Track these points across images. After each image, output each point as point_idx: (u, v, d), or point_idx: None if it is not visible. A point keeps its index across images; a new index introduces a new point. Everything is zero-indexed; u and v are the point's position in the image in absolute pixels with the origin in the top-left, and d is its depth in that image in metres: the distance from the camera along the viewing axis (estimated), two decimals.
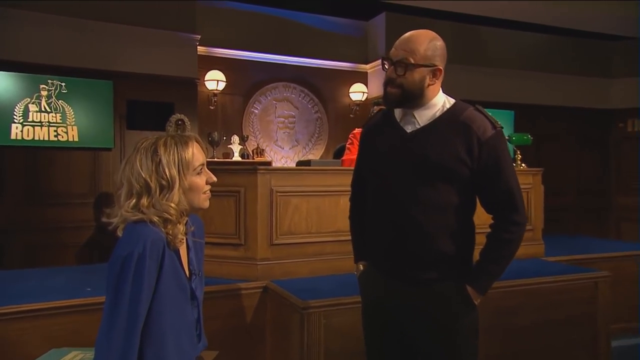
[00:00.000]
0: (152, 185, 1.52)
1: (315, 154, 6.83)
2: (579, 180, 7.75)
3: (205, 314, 1.76)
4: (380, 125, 1.97)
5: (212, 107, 6.21)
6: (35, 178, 4.98)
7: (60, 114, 5.03)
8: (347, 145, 4.27)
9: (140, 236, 1.47)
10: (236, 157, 6.11)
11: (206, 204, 1.65)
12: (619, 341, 3.70)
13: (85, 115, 5.13)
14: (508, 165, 1.80)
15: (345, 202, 3.27)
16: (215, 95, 6.15)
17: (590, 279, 3.30)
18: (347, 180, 3.26)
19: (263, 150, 6.51)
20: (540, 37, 7.40)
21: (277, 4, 6.36)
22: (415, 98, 1.80)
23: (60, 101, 5.03)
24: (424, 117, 1.82)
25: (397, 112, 1.89)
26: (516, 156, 4.10)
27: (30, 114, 4.91)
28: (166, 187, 1.53)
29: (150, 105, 5.44)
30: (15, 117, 4.86)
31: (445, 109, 1.82)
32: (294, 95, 6.76)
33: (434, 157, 1.76)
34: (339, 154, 4.74)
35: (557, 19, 6.35)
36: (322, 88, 6.88)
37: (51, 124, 5.00)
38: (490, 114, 1.83)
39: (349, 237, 3.26)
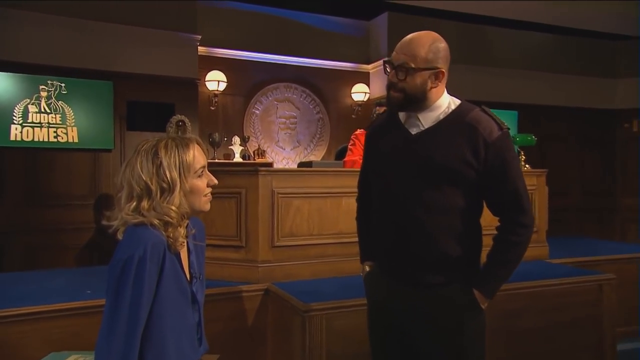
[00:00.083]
0: (153, 187, 1.51)
1: (316, 155, 6.81)
2: (583, 181, 7.72)
3: (206, 316, 1.76)
4: (385, 126, 1.96)
5: (212, 108, 6.19)
6: (34, 179, 4.97)
7: (60, 115, 5.02)
8: (349, 146, 4.25)
9: (140, 239, 1.46)
10: (237, 158, 6.10)
11: (207, 207, 1.65)
12: (625, 344, 3.67)
13: (85, 116, 5.12)
14: (515, 166, 1.78)
15: (347, 204, 3.33)
16: (216, 95, 6.14)
17: (594, 282, 3.28)
18: (349, 181, 3.32)
19: (264, 151, 6.49)
20: (544, 37, 7.38)
21: (278, 3, 6.34)
22: (418, 101, 1.79)
23: (60, 102, 5.02)
24: (428, 119, 1.81)
25: (402, 114, 1.88)
26: (520, 157, 4.08)
27: (30, 114, 4.90)
28: (167, 189, 1.53)
29: (151, 106, 5.43)
30: (14, 118, 4.84)
31: (450, 111, 1.81)
32: (295, 96, 6.74)
33: (439, 158, 1.75)
34: (340, 155, 4.72)
35: (561, 18, 6.34)
36: (324, 88, 6.86)
37: (51, 125, 4.98)
38: (496, 115, 1.81)
39: (351, 239, 3.31)
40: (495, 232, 1.84)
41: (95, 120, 5.16)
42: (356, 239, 3.22)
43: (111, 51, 5.23)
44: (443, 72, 1.78)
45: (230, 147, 6.17)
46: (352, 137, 4.29)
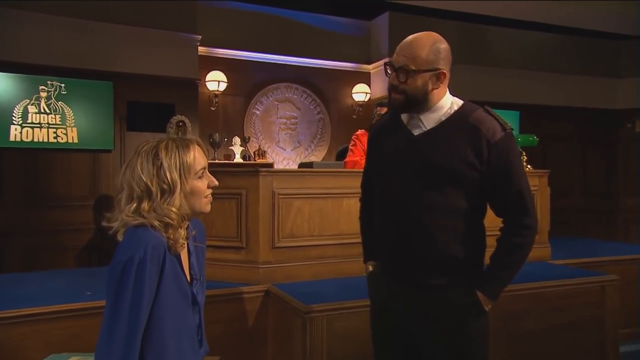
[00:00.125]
0: (153, 189, 1.51)
1: (317, 156, 6.80)
2: (585, 181, 7.70)
3: (206, 318, 1.75)
4: (387, 127, 1.95)
5: (213, 108, 6.18)
6: (34, 180, 4.95)
7: (59, 116, 5.00)
8: (350, 147, 4.25)
9: (141, 241, 1.46)
10: (237, 159, 6.09)
11: (207, 208, 1.64)
12: (627, 346, 3.65)
13: (85, 117, 5.11)
14: (518, 167, 1.77)
15: (348, 205, 3.33)
16: (216, 96, 6.13)
17: (597, 283, 3.27)
18: (350, 182, 3.32)
19: (265, 151, 6.48)
20: (546, 37, 7.36)
21: (278, 3, 6.33)
22: (419, 103, 1.78)
23: (59, 102, 5.00)
24: (430, 120, 1.80)
25: (404, 115, 1.88)
26: (522, 158, 4.06)
27: (30, 115, 4.89)
28: (167, 191, 1.52)
29: (151, 106, 5.41)
30: (14, 118, 4.83)
31: (452, 112, 1.80)
32: (295, 96, 6.73)
33: (440, 160, 1.74)
34: (341, 155, 4.71)
35: (563, 18, 6.32)
36: (325, 88, 6.85)
37: (50, 126, 4.97)
38: (499, 115, 1.79)
39: (352, 240, 3.34)
40: (498, 233, 1.83)
41: (95, 121, 5.14)
42: (357, 240, 3.23)
43: (111, 51, 5.22)
44: (444, 73, 1.76)
45: (230, 147, 6.16)
46: (353, 137, 4.28)
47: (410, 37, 1.78)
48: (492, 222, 1.87)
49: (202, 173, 1.59)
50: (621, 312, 3.36)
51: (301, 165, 4.02)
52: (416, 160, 1.78)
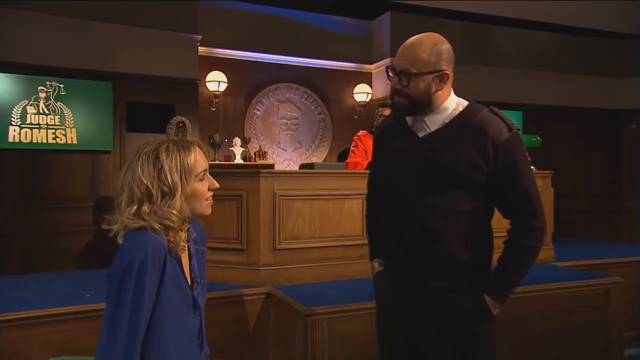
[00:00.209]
0: (154, 191, 1.50)
1: (318, 156, 6.79)
2: (589, 182, 7.68)
3: (207, 320, 1.74)
4: (392, 129, 1.93)
5: (213, 109, 6.16)
6: (33, 181, 4.94)
7: (58, 116, 4.98)
8: (352, 148, 4.23)
9: (141, 244, 1.44)
10: (238, 160, 6.08)
11: (208, 211, 1.63)
12: (632, 349, 3.63)
13: (84, 118, 5.09)
14: (526, 168, 1.75)
15: (349, 206, 3.33)
16: (216, 96, 6.11)
17: (602, 285, 3.26)
18: (352, 183, 3.31)
19: (265, 152, 6.46)
20: (550, 36, 7.34)
21: (279, 3, 6.32)
22: (423, 105, 1.76)
23: (58, 103, 4.99)
24: (435, 122, 1.78)
25: (409, 117, 1.85)
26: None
27: (28, 116, 4.87)
28: (168, 193, 1.51)
29: (151, 106, 5.39)
30: (13, 119, 4.81)
31: (457, 113, 1.78)
32: (296, 97, 6.71)
33: (446, 162, 1.72)
34: (343, 156, 4.69)
35: (566, 17, 6.31)
36: (326, 89, 6.83)
37: (49, 127, 4.95)
38: (506, 115, 1.77)
39: (354, 242, 3.35)
40: (505, 235, 1.80)
41: (95, 122, 5.13)
42: (359, 242, 3.29)
43: (110, 51, 5.20)
44: (447, 74, 1.74)
45: (231, 148, 6.14)
46: (354, 138, 4.27)
47: (411, 39, 1.76)
48: (500, 223, 1.84)
49: (203, 175, 1.58)
50: (625, 315, 3.34)
51: (302, 166, 4.01)
52: (421, 162, 1.76)
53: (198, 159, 1.56)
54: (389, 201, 1.89)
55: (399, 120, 1.89)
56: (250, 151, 6.37)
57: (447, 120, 1.76)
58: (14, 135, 4.80)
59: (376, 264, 2.03)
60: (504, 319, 2.80)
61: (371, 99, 6.85)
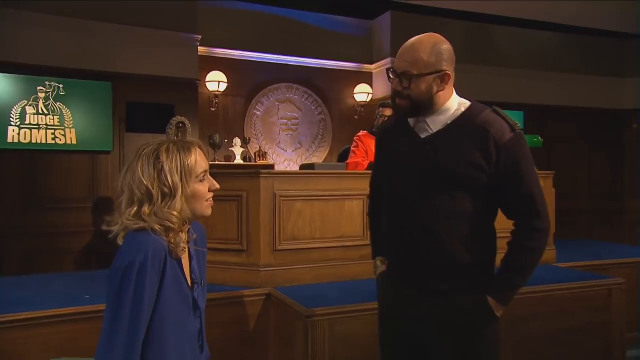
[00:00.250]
0: (154, 192, 1.49)
1: (318, 157, 6.77)
2: (590, 183, 7.67)
3: (207, 322, 1.73)
4: (394, 130, 1.92)
5: (213, 109, 6.15)
6: (32, 182, 4.92)
7: (58, 117, 4.97)
8: (352, 148, 4.23)
9: (141, 245, 1.44)
10: (238, 160, 6.07)
11: (209, 212, 1.62)
12: (635, 351, 3.62)
13: (83, 118, 5.07)
14: (529, 169, 1.73)
15: (350, 207, 3.33)
16: (216, 96, 6.10)
17: (604, 287, 3.25)
18: (352, 184, 3.30)
19: (265, 153, 6.45)
20: (551, 36, 7.32)
21: (279, 3, 6.30)
22: (426, 107, 1.75)
23: (58, 103, 4.97)
24: (437, 123, 1.77)
25: (411, 119, 1.85)
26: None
27: (28, 116, 4.85)
28: (168, 194, 1.50)
29: (150, 107, 5.38)
30: (12, 119, 4.79)
31: (459, 113, 1.76)
32: (297, 97, 6.70)
33: (448, 163, 1.71)
34: (343, 157, 4.68)
35: (567, 17, 6.29)
36: (326, 89, 6.82)
37: (49, 127, 4.93)
38: (509, 115, 1.76)
39: (354, 243, 3.35)
40: (509, 236, 1.79)
41: (94, 122, 5.11)
42: (359, 243, 3.29)
43: (110, 51, 5.19)
44: (448, 74, 1.73)
45: (231, 148, 6.13)
46: (355, 138, 4.26)
47: (411, 40, 1.75)
48: (503, 224, 1.83)
49: (204, 176, 1.58)
50: (627, 316, 3.33)
51: (303, 166, 4.00)
52: (423, 163, 1.75)
53: (199, 160, 1.56)
54: (391, 202, 1.89)
55: (400, 121, 1.88)
56: (251, 151, 6.36)
57: (449, 121, 1.75)
58: (13, 136, 4.79)
59: (379, 263, 2.03)
60: (506, 320, 2.78)
61: (372, 99, 6.83)
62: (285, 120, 6.64)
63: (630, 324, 3.44)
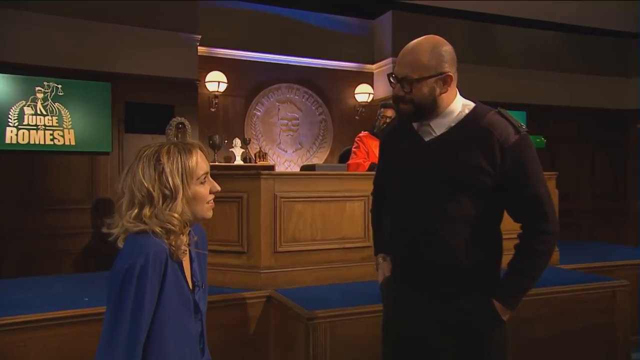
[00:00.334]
0: (155, 194, 1.48)
1: (319, 157, 6.76)
2: (594, 183, 7.65)
3: (207, 324, 1.72)
4: (397, 132, 1.91)
5: (213, 110, 6.13)
6: (30, 183, 4.90)
7: (56, 117, 4.95)
8: (353, 149, 4.21)
9: (142, 248, 1.43)
10: (238, 161, 6.05)
11: (210, 214, 1.61)
12: (638, 353, 3.60)
13: (82, 118, 5.06)
14: (536, 171, 1.71)
15: (351, 208, 3.32)
16: (216, 97, 6.08)
17: (607, 288, 3.23)
18: (353, 185, 3.29)
19: (266, 153, 6.43)
20: (553, 35, 7.30)
21: (279, 2, 6.29)
22: (429, 110, 1.73)
23: (56, 104, 4.95)
24: (440, 125, 1.75)
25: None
26: None
27: (26, 117, 4.84)
28: (169, 196, 1.50)
29: (150, 107, 5.36)
30: (10, 120, 4.78)
31: (463, 115, 1.74)
32: (297, 97, 6.68)
33: (451, 166, 1.69)
34: (344, 157, 4.67)
35: (569, 16, 6.28)
36: (327, 89, 6.80)
37: (47, 128, 4.92)
38: (514, 117, 1.74)
39: (355, 245, 3.34)
40: (515, 238, 1.77)
41: (93, 123, 5.09)
42: (360, 245, 3.28)
43: (109, 52, 5.17)
44: (450, 75, 1.71)
45: (231, 149, 6.11)
46: (356, 139, 4.24)
47: (410, 44, 1.74)
48: (509, 226, 1.81)
49: (205, 178, 1.57)
50: (631, 318, 3.31)
51: (303, 167, 3.99)
52: (426, 166, 1.74)
53: (199, 162, 1.55)
54: (394, 205, 1.87)
55: (404, 124, 1.86)
56: (251, 152, 6.34)
57: (453, 124, 1.74)
58: (11, 137, 4.77)
59: (380, 259, 2.02)
60: (510, 322, 2.78)
61: (373, 99, 6.82)
62: (286, 121, 6.62)
63: (634, 326, 3.42)
